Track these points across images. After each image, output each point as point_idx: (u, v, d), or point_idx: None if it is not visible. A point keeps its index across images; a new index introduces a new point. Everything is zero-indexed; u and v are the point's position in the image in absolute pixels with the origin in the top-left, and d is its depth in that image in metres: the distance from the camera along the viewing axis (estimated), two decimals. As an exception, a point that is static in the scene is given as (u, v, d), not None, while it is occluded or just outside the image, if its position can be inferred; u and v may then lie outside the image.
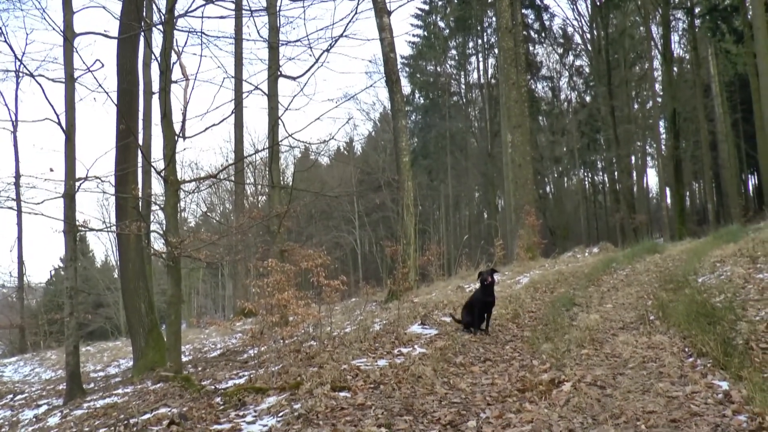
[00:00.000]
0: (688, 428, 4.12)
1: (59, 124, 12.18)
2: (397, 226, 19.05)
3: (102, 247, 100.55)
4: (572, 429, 4.33)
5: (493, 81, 42.87)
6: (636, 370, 5.75)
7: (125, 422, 6.32)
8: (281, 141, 17.77)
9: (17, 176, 21.31)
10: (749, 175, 40.79)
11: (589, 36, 40.44)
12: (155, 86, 17.34)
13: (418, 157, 46.22)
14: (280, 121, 19.39)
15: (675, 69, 35.04)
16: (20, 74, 17.88)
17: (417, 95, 49.71)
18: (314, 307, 8.61)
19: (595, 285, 11.89)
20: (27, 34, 32.67)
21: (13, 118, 26.01)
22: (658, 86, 36.94)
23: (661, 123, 37.68)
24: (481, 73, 46.74)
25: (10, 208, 15.31)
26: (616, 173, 36.13)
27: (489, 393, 5.52)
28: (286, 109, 13.25)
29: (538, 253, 19.27)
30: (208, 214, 47.80)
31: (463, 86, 49.40)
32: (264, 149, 23.90)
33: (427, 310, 10.67)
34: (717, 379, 5.06)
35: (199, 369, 10.47)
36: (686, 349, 6.20)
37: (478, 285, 9.00)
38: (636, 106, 43.82)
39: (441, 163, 45.75)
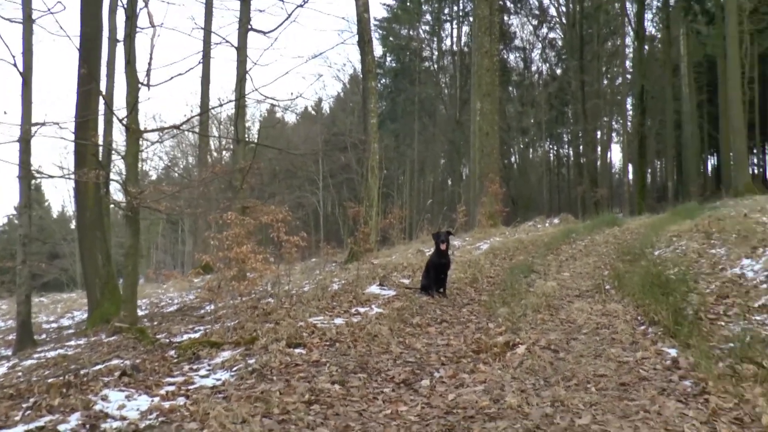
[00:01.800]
0: (636, 391, 4.21)
1: (15, 66, 11.72)
2: (360, 188, 18.98)
3: (59, 198, 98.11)
4: (524, 389, 4.39)
5: (465, 49, 42.68)
6: (589, 335, 5.86)
7: (75, 372, 6.21)
8: (248, 95, 17.46)
9: (-31, 119, 20.49)
10: (709, 156, 41.67)
11: (564, 9, 40.48)
12: (120, 34, 16.83)
13: (385, 121, 45.94)
14: (248, 75, 19.05)
15: (646, 47, 35.26)
16: (-26, 12, 17.06)
17: (388, 58, 49.24)
18: (273, 262, 8.55)
19: (554, 254, 12.05)
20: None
21: (-34, 58, 24.87)
22: (628, 63, 37.27)
23: (629, 100, 38.11)
24: (455, 40, 46.54)
25: (-39, 150, 14.77)
26: (581, 147, 36.53)
27: (444, 353, 5.57)
28: (255, 63, 13.01)
29: (499, 221, 19.45)
30: (171, 167, 46.97)
31: (436, 53, 49.06)
32: (230, 101, 23.40)
33: (386, 272, 10.70)
34: (666, 347, 5.17)
35: (155, 323, 10.35)
36: (639, 318, 6.33)
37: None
38: (605, 82, 44.14)
39: (408, 127, 45.61)
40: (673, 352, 5.01)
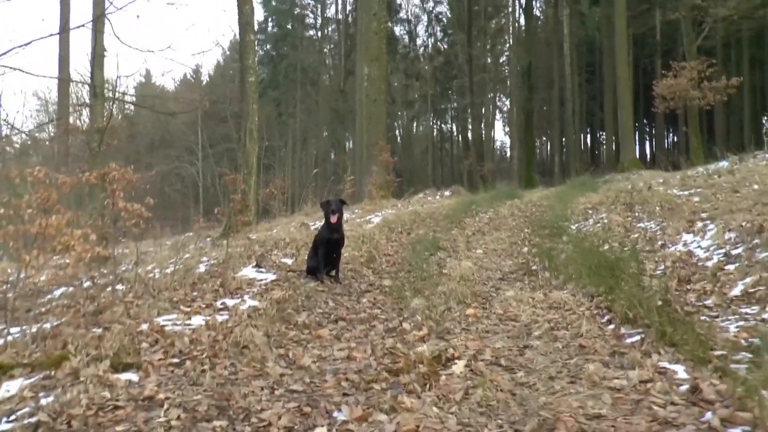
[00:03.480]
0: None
1: None
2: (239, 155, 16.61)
3: None
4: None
5: (350, 18, 40.57)
6: (545, 340, 4.16)
7: None
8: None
9: None
10: (587, 133, 42.37)
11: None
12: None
13: (267, 89, 43.19)
14: (105, 18, 15.96)
15: (533, 25, 34.84)
16: None
17: (270, 24, 46.26)
18: (106, 240, 6.23)
19: (459, 227, 10.46)
20: None
21: None
22: (514, 40, 36.68)
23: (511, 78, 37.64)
24: (339, 7, 44.24)
25: None
26: (470, 121, 35.64)
27: (345, 374, 3.65)
28: (111, 3, 10.13)
29: (390, 193, 17.76)
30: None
31: (320, 19, 46.61)
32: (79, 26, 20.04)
33: (265, 249, 8.63)
34: (667, 360, 3.55)
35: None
36: (600, 311, 4.72)
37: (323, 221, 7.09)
38: (490, 59, 43.68)
39: (291, 96, 43.04)
40: (681, 371, 3.38)
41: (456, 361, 3.67)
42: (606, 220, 8.89)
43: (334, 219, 6.53)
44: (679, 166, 20.24)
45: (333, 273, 6.77)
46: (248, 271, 7.22)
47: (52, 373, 3.87)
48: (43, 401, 3.35)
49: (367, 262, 7.75)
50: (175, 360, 4.00)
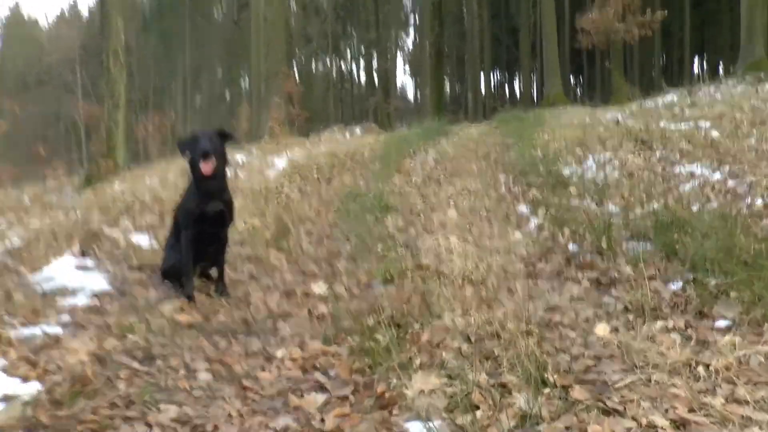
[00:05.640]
0: None
1: None
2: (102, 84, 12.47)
3: None
4: None
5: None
6: None
7: None
8: None
9: None
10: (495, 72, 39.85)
11: None
12: None
13: (150, 22, 37.51)
14: None
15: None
16: None
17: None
18: None
19: (401, 174, 7.21)
20: None
21: None
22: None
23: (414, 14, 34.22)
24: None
25: None
26: (375, 56, 31.97)
27: None
28: None
29: (295, 129, 14.18)
30: None
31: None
32: None
33: (110, 217, 5.07)
34: None
35: None
36: None
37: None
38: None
39: (179, 29, 37.47)
40: None
41: None
42: (617, 162, 5.97)
43: (208, 168, 3.03)
44: (599, 103, 18.21)
45: (213, 275, 3.40)
46: (64, 265, 3.73)
47: None
48: None
49: (276, 237, 4.39)
50: None
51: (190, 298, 3.08)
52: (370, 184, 6.60)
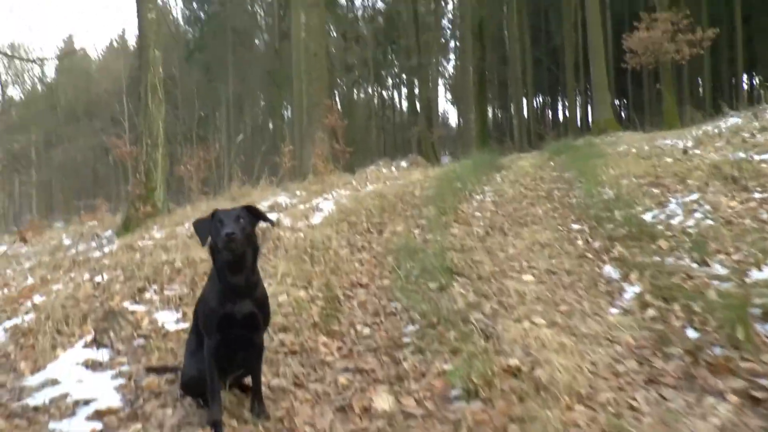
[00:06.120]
0: None
1: None
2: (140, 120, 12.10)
3: None
4: None
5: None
6: None
7: None
8: None
9: None
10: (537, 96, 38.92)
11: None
12: None
13: (194, 52, 37.97)
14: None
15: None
16: None
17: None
18: None
19: (456, 221, 6.53)
20: None
21: None
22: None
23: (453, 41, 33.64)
24: (272, -40, 38.96)
25: None
26: (416, 84, 31.44)
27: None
28: None
29: (340, 166, 13.63)
30: None
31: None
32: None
33: (135, 286, 4.51)
34: None
35: None
36: None
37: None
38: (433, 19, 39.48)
39: (221, 59, 37.78)
40: None
41: None
42: (708, 206, 5.16)
43: (227, 253, 2.36)
44: (649, 127, 17.24)
45: (247, 386, 2.75)
46: (72, 361, 3.18)
47: None
48: None
49: (324, 314, 3.75)
50: None
51: (217, 425, 2.40)
52: (426, 234, 5.93)
